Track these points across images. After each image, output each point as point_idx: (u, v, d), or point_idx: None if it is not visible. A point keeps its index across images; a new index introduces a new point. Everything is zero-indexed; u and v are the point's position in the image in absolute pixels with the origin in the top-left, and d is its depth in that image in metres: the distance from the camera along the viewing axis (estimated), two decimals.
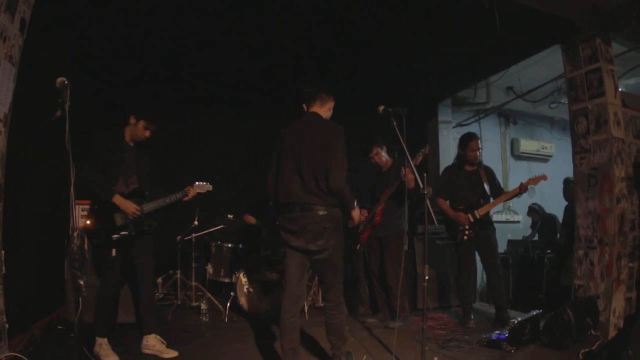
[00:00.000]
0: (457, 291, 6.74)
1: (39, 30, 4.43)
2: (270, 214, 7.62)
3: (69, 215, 5.47)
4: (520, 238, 9.93)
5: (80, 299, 3.65)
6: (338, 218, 4.13)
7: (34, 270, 5.33)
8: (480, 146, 6.36)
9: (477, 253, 6.47)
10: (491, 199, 6.34)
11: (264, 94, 8.42)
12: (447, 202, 6.46)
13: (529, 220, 10.00)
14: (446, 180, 6.60)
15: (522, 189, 6.01)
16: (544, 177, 6.09)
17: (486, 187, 6.31)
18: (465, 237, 6.24)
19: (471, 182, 6.36)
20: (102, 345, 4.55)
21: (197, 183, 5.09)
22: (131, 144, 4.78)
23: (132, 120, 4.67)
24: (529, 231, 9.98)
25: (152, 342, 4.77)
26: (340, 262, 4.21)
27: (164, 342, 4.82)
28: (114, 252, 4.45)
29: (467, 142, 6.32)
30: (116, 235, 4.49)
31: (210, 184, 5.23)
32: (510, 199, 6.39)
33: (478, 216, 6.18)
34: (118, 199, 4.51)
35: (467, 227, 6.22)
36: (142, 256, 4.79)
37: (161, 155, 6.41)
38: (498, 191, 6.44)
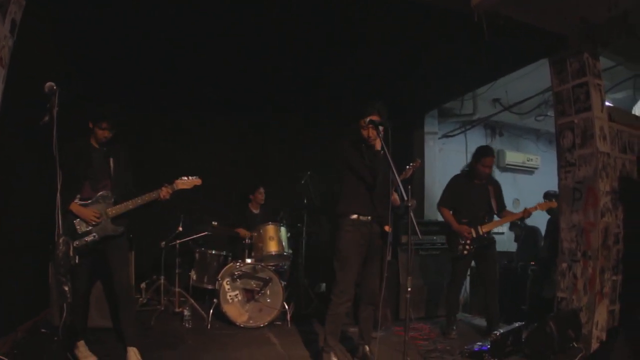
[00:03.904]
0: (447, 302, 6.72)
1: (30, 31, 4.40)
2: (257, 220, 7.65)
3: (54, 219, 5.49)
4: (504, 249, 9.96)
5: (65, 304, 3.62)
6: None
7: (20, 274, 5.29)
8: (493, 164, 6.39)
9: (477, 267, 6.54)
10: (495, 217, 6.35)
11: (256, 98, 8.48)
12: (451, 212, 6.42)
13: (512, 234, 10.03)
14: (453, 191, 6.52)
15: (526, 214, 6.07)
16: (553, 205, 6.17)
17: (492, 203, 6.32)
18: (465, 252, 6.23)
19: (479, 196, 6.35)
20: (79, 347, 4.59)
21: (181, 179, 4.94)
22: (102, 148, 4.73)
23: (90, 125, 4.63)
24: (512, 243, 10.02)
25: (130, 356, 4.64)
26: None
27: (139, 357, 4.66)
28: (77, 259, 4.37)
29: (482, 156, 6.26)
30: (77, 242, 4.44)
31: (197, 177, 5.04)
32: (512, 220, 6.42)
33: (481, 232, 6.19)
34: (74, 207, 4.51)
35: (468, 241, 6.21)
36: (114, 262, 4.72)
37: (147, 156, 6.41)
38: (503, 208, 6.45)
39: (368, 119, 4.61)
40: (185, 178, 4.94)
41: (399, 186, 4.32)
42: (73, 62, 6.51)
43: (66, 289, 3.53)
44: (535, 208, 6.09)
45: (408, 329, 4.18)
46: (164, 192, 4.76)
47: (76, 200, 4.54)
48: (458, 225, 6.26)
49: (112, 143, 4.77)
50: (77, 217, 4.52)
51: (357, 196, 4.88)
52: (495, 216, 6.40)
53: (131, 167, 4.99)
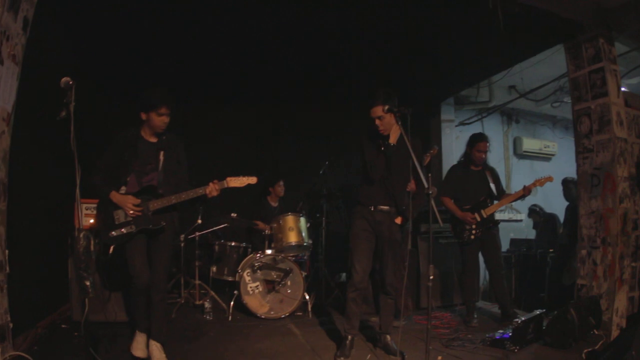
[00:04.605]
0: (462, 290, 6.74)
1: (43, 28, 4.43)
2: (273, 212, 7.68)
3: (72, 214, 5.54)
4: (523, 237, 9.95)
5: (86, 300, 3.62)
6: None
7: (38, 269, 5.29)
8: (488, 149, 6.37)
9: (482, 253, 6.49)
10: (495, 201, 6.36)
11: (270, 89, 8.53)
12: (453, 201, 6.46)
13: (531, 220, 10.00)
14: (453, 179, 6.59)
15: (526, 191, 6.07)
16: (549, 179, 6.12)
17: (492, 187, 6.34)
18: (472, 237, 6.27)
19: (478, 182, 6.40)
20: (138, 342, 4.59)
21: (235, 177, 4.72)
22: (152, 140, 4.59)
23: (144, 117, 4.45)
24: (530, 230, 10.00)
25: (152, 349, 4.52)
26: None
27: (162, 351, 4.53)
28: (111, 249, 4.38)
29: (476, 142, 6.33)
30: (114, 233, 4.35)
31: (252, 176, 4.82)
32: (514, 201, 6.40)
33: (485, 216, 6.23)
34: (115, 197, 4.38)
35: (474, 226, 6.26)
36: (154, 257, 4.57)
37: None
38: (502, 192, 6.49)
39: (387, 107, 4.60)
40: (240, 177, 4.74)
41: (418, 174, 4.34)
42: (85, 59, 6.57)
43: (87, 284, 3.54)
44: (535, 184, 6.09)
45: (431, 317, 4.19)
46: (211, 189, 4.56)
47: (120, 191, 4.44)
48: (461, 212, 6.33)
49: (167, 133, 4.64)
50: (117, 207, 4.41)
51: (367, 187, 4.97)
52: (495, 200, 6.41)
53: (186, 161, 4.82)
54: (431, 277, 4.15)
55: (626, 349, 3.35)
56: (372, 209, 4.91)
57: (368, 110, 4.79)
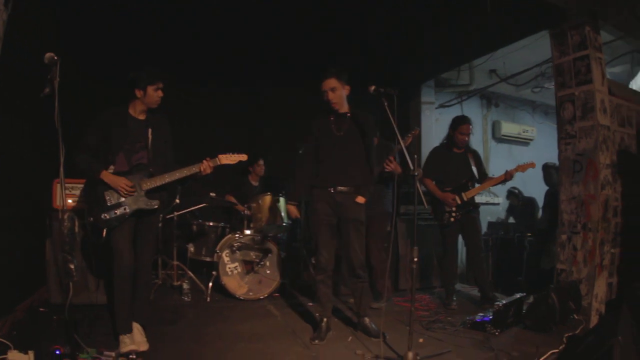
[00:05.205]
0: (441, 272, 6.79)
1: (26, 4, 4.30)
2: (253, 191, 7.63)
3: (50, 194, 5.43)
4: (501, 220, 10.03)
5: (70, 284, 3.53)
6: None
7: (14, 251, 5.10)
8: (470, 131, 6.36)
9: (462, 235, 6.51)
10: (476, 184, 6.38)
11: (253, 69, 8.43)
12: (434, 183, 6.46)
13: (508, 203, 10.09)
14: (434, 161, 6.57)
15: (508, 176, 6.09)
16: (532, 165, 6.16)
17: (474, 170, 6.35)
18: (452, 219, 6.28)
19: (459, 164, 6.39)
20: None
21: (225, 154, 4.70)
22: (141, 118, 4.47)
23: (138, 93, 4.34)
24: (505, 213, 10.10)
25: (134, 332, 4.39)
26: None
27: (143, 334, 4.43)
28: (104, 232, 4.24)
29: (459, 124, 6.32)
30: (105, 215, 4.20)
31: (243, 154, 4.83)
32: (495, 184, 6.43)
33: (465, 199, 6.24)
34: (106, 176, 4.22)
35: (454, 209, 6.27)
36: (142, 240, 4.48)
37: None
38: (484, 176, 6.49)
39: (373, 88, 4.54)
40: (230, 154, 4.72)
41: (371, 155, 4.36)
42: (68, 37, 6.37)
43: (72, 267, 3.44)
44: (516, 169, 6.10)
45: (414, 300, 4.21)
46: (205, 166, 4.51)
47: (109, 170, 4.28)
48: (442, 193, 6.33)
49: (153, 112, 4.54)
50: (108, 187, 4.25)
51: (321, 168, 4.95)
52: (476, 183, 6.44)
53: (171, 140, 4.73)
54: (415, 260, 4.15)
55: (611, 335, 3.38)
56: (332, 191, 4.85)
57: (320, 84, 4.79)
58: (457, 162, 6.41)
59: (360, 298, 5.08)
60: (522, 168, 6.11)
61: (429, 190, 6.45)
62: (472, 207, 6.37)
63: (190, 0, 6.02)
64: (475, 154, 6.56)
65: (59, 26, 6.11)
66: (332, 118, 4.90)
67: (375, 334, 4.87)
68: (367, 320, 5.06)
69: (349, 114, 4.89)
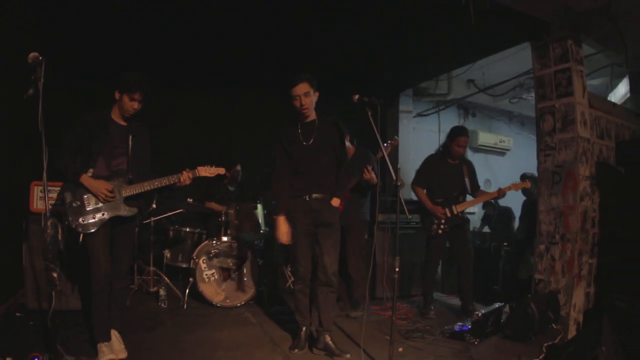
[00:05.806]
0: (423, 281, 6.76)
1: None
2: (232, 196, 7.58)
3: (27, 196, 5.32)
4: (476, 230, 10.10)
5: (53, 292, 3.44)
6: None
7: None
8: (467, 144, 6.40)
9: (451, 246, 6.57)
10: (468, 197, 6.41)
11: (232, 75, 8.31)
12: (425, 192, 6.45)
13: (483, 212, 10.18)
14: (428, 170, 6.55)
15: (501, 193, 6.13)
16: (526, 184, 6.38)
17: (466, 182, 6.36)
18: (440, 232, 6.28)
19: (453, 176, 6.39)
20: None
21: (204, 167, 4.69)
22: (122, 123, 4.40)
23: (117, 96, 4.28)
24: (478, 222, 10.18)
25: (112, 339, 4.32)
26: None
27: (121, 342, 4.37)
28: (81, 237, 4.19)
29: (456, 136, 6.28)
30: (82, 219, 4.09)
31: (219, 167, 4.82)
32: (486, 200, 6.47)
33: (456, 212, 6.24)
34: (86, 180, 4.13)
35: (443, 221, 6.26)
36: (120, 247, 4.40)
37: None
38: (476, 188, 6.50)
39: (357, 97, 4.49)
40: (209, 166, 4.72)
41: (386, 164, 4.34)
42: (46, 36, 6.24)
43: (55, 275, 3.36)
44: (510, 188, 6.14)
45: (395, 309, 4.20)
46: (185, 177, 4.50)
47: (89, 174, 4.20)
48: (432, 205, 6.32)
49: (135, 119, 4.45)
50: (87, 191, 4.17)
51: (294, 179, 4.87)
52: (469, 196, 6.45)
53: (150, 148, 4.66)
54: (397, 269, 4.14)
55: (595, 345, 3.41)
56: (308, 199, 4.76)
57: (289, 90, 4.71)
58: (450, 173, 6.40)
59: (327, 310, 4.81)
60: (515, 187, 6.17)
61: (420, 200, 6.46)
62: (461, 221, 6.36)
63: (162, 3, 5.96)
64: (469, 166, 6.56)
65: (40, 26, 5.98)
66: (299, 128, 4.83)
67: (338, 354, 4.62)
68: (328, 337, 4.77)
69: (316, 121, 4.82)
